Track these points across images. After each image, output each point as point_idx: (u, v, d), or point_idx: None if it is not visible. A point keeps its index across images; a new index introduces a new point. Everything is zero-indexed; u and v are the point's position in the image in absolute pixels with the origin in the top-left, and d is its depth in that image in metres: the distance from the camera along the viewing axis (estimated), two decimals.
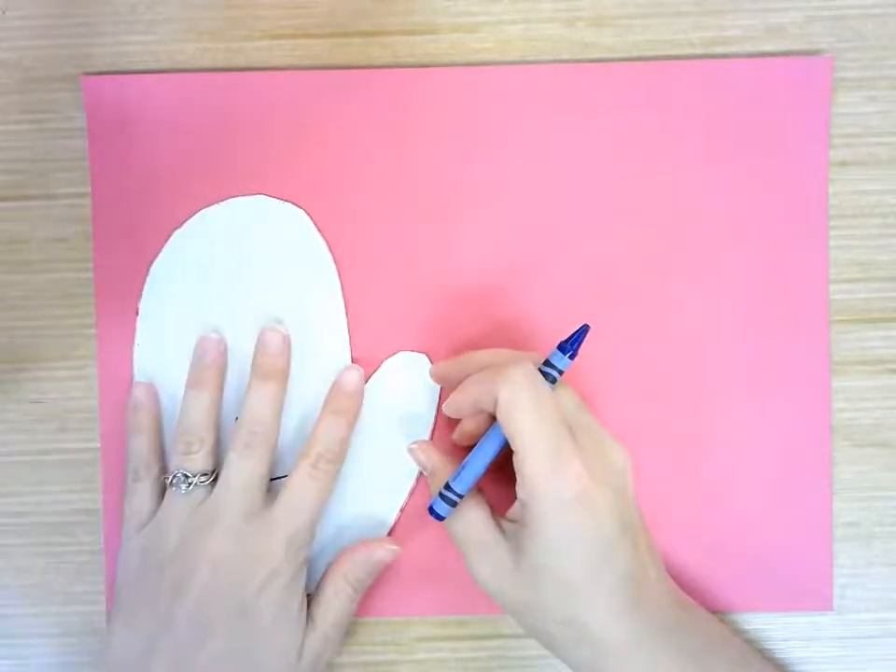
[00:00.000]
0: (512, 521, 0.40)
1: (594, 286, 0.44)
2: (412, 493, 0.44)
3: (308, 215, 0.44)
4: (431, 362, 0.44)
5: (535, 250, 0.44)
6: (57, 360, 0.44)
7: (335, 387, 0.43)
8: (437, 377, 0.43)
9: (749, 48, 0.44)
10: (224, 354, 0.43)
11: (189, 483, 0.41)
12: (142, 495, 0.42)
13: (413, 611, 0.44)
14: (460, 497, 0.39)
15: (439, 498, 0.40)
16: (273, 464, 0.42)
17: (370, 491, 0.44)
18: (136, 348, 0.44)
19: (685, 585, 0.43)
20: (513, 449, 0.38)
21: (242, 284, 0.44)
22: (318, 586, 0.42)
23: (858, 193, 0.44)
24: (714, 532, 0.44)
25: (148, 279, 0.44)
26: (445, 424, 0.44)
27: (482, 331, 0.44)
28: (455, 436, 0.42)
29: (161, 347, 0.44)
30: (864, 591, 0.44)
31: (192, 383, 0.43)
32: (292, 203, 0.44)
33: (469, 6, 0.44)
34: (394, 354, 0.44)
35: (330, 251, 0.44)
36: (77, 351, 0.44)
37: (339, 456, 0.42)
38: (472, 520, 0.40)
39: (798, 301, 0.44)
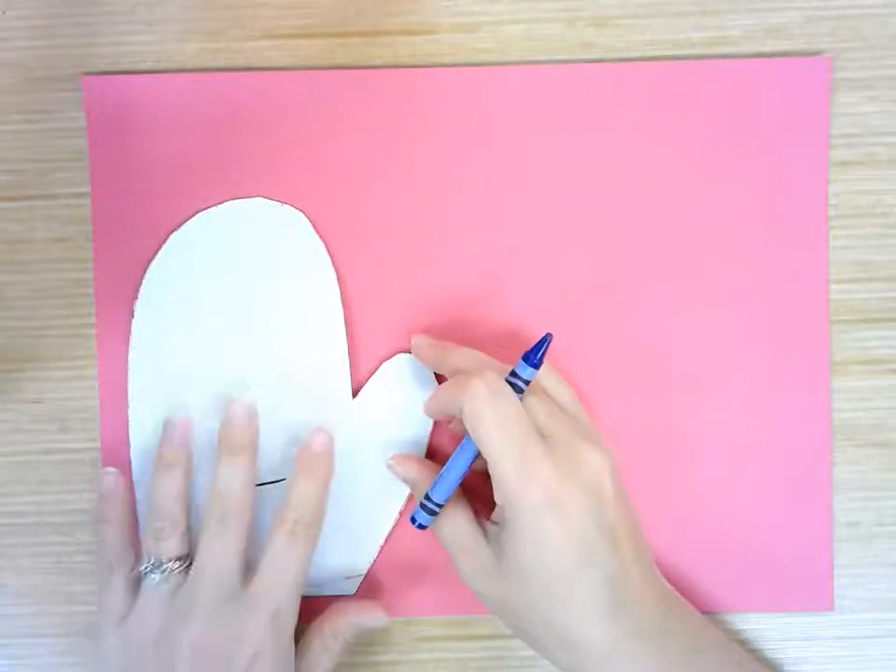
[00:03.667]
0: (495, 523, 0.40)
1: (595, 285, 0.44)
2: (411, 494, 0.44)
3: (307, 216, 0.44)
4: None
5: (535, 250, 0.44)
6: (57, 360, 0.44)
7: (304, 449, 0.42)
8: (414, 348, 0.43)
9: (749, 48, 0.44)
10: (190, 433, 0.43)
11: (164, 570, 0.40)
12: (116, 588, 0.41)
13: (412, 611, 0.44)
14: (440, 506, 0.40)
15: (420, 509, 0.40)
16: (263, 468, 0.43)
17: (370, 492, 0.44)
18: (132, 351, 0.44)
19: (684, 585, 0.43)
20: (485, 457, 0.38)
21: (240, 286, 0.44)
22: (304, 641, 0.42)
23: (858, 193, 0.44)
24: (714, 532, 0.44)
25: (145, 281, 0.44)
26: (444, 424, 0.44)
27: (481, 332, 0.44)
28: (451, 426, 0.43)
29: (158, 351, 0.44)
30: (864, 591, 0.44)
31: (160, 465, 0.42)
32: (290, 205, 0.44)
33: (469, 6, 0.44)
34: (393, 355, 0.44)
35: (329, 253, 0.44)
36: (76, 351, 0.44)
37: (316, 520, 0.41)
38: (456, 524, 0.40)
39: (798, 301, 0.44)
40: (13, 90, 0.44)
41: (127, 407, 0.44)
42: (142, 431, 0.44)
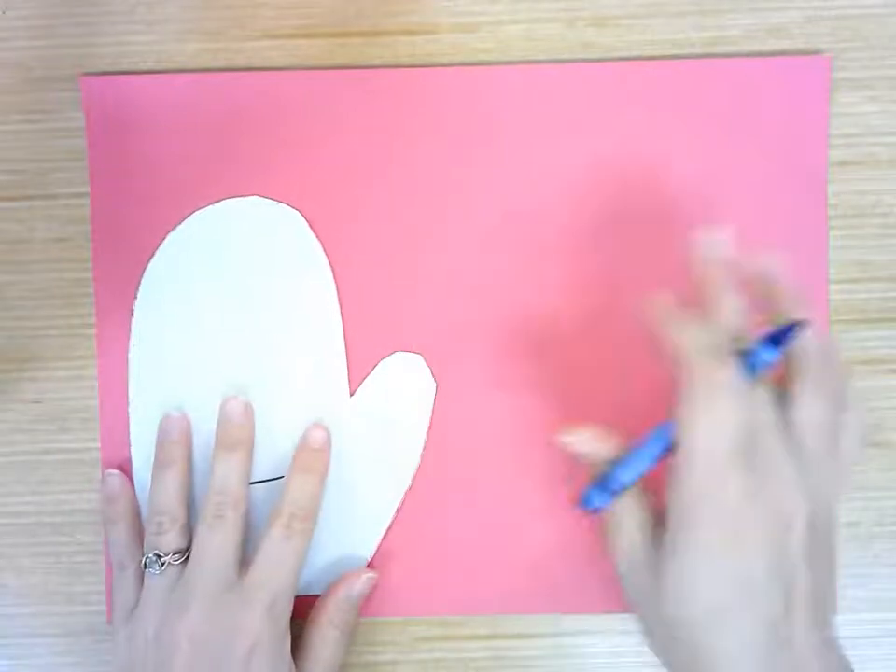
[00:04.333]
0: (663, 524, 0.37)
1: (593, 285, 0.44)
2: (408, 492, 0.44)
3: (304, 215, 0.44)
4: (427, 363, 0.44)
5: (533, 250, 0.44)
6: (57, 360, 0.44)
7: (301, 445, 0.43)
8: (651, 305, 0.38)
9: (749, 48, 0.44)
10: (188, 430, 0.43)
11: (163, 563, 0.41)
12: (127, 584, 0.42)
13: (412, 611, 0.44)
14: (623, 488, 0.36)
15: (598, 489, 0.36)
16: (258, 465, 0.43)
17: (367, 489, 0.44)
18: (131, 350, 0.44)
19: None
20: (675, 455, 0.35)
21: (237, 284, 0.44)
22: (303, 638, 0.42)
23: (858, 193, 0.44)
24: None
25: (143, 281, 0.44)
26: (440, 423, 0.44)
27: (478, 332, 0.44)
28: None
29: (157, 350, 0.44)
30: (864, 591, 0.44)
31: (159, 462, 0.43)
32: (287, 205, 0.44)
33: (469, 6, 0.44)
34: (390, 353, 0.44)
35: (325, 252, 0.44)
36: (76, 351, 0.44)
37: (311, 514, 0.42)
38: (630, 517, 0.37)
39: None
40: (13, 90, 0.44)
41: (127, 406, 0.44)
42: (143, 429, 0.44)
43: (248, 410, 0.43)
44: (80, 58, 0.44)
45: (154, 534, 0.41)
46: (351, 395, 0.44)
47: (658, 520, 0.37)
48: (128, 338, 0.44)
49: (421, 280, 0.44)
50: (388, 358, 0.44)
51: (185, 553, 0.41)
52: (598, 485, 0.37)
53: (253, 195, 0.44)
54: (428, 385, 0.44)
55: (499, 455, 0.44)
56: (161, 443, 0.43)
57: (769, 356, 0.34)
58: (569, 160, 0.44)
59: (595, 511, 0.37)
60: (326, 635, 0.42)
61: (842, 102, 0.44)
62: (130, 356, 0.44)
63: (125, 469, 0.44)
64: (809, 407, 0.35)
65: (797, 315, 0.35)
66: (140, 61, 0.44)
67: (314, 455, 0.43)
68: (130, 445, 0.44)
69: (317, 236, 0.44)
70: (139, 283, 0.44)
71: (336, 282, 0.44)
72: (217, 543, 0.40)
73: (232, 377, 0.44)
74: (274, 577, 0.40)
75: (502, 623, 0.44)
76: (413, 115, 0.44)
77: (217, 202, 0.44)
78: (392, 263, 0.44)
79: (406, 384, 0.44)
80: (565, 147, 0.44)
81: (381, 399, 0.44)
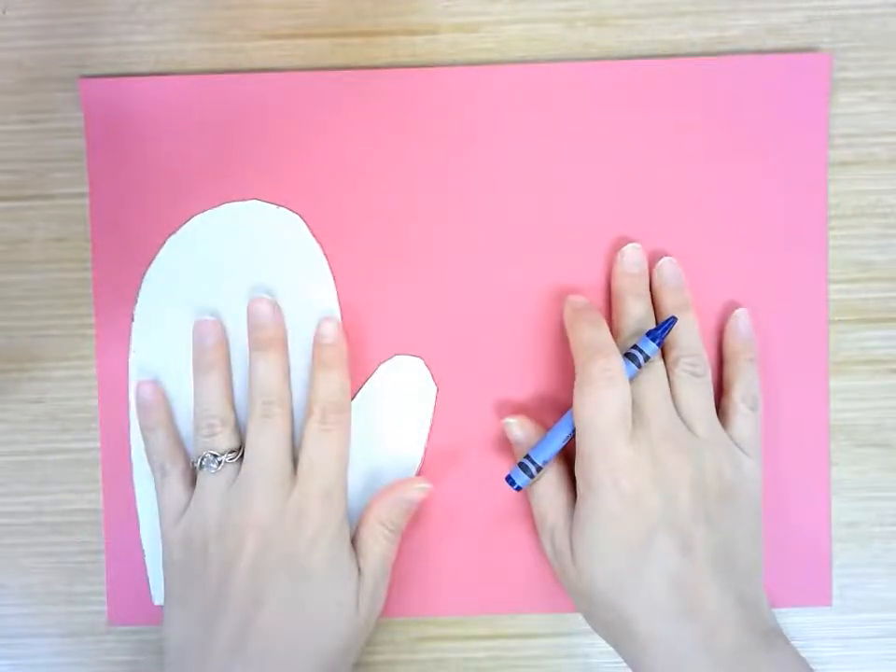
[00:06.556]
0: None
1: (592, 285, 0.44)
2: None
3: (304, 218, 0.44)
4: (427, 366, 0.44)
5: (533, 252, 0.44)
6: (57, 360, 0.44)
7: (316, 342, 0.43)
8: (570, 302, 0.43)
9: (750, 47, 0.44)
10: (223, 334, 0.44)
11: (219, 462, 0.41)
12: (172, 487, 0.43)
13: (412, 611, 0.44)
14: (538, 468, 0.41)
15: (518, 468, 0.41)
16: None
17: (366, 493, 0.44)
18: (132, 355, 0.44)
19: None
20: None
21: (237, 289, 0.44)
22: (355, 535, 0.42)
23: (858, 193, 0.44)
24: None
25: (143, 285, 0.44)
26: (441, 426, 0.44)
27: (477, 334, 0.44)
28: None
29: (158, 354, 0.44)
30: (864, 591, 0.45)
31: (199, 368, 0.43)
32: (287, 208, 0.44)
33: (469, 6, 0.44)
34: (390, 357, 0.44)
35: (325, 255, 0.44)
36: (77, 351, 0.44)
37: (343, 406, 0.42)
38: (549, 501, 0.42)
39: (798, 301, 0.44)
40: (12, 90, 0.44)
41: (128, 408, 0.44)
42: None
43: (276, 309, 0.43)
44: (80, 58, 0.44)
45: (206, 436, 0.42)
46: (351, 398, 0.44)
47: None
48: (128, 338, 0.44)
49: (421, 283, 0.44)
50: (388, 362, 0.44)
51: (238, 451, 0.42)
52: (519, 466, 0.41)
53: (253, 199, 0.44)
54: (429, 388, 0.44)
55: (500, 458, 0.44)
56: (199, 349, 0.43)
57: (648, 349, 0.40)
58: (569, 159, 0.44)
59: (518, 488, 0.41)
60: (375, 532, 0.42)
61: (842, 102, 0.44)
62: (130, 361, 0.44)
63: (125, 470, 0.44)
64: (686, 396, 0.41)
65: (672, 314, 0.42)
66: (140, 61, 0.44)
67: (330, 350, 0.43)
68: (130, 450, 0.44)
69: (317, 239, 0.44)
70: (139, 287, 0.44)
71: (336, 285, 0.44)
72: (270, 439, 0.41)
73: (232, 380, 0.44)
74: (323, 468, 0.41)
75: (502, 623, 0.45)
76: (413, 115, 0.44)
77: (217, 204, 0.44)
78: (392, 266, 0.44)
79: (406, 387, 0.44)
80: (565, 147, 0.44)
81: (381, 403, 0.44)
